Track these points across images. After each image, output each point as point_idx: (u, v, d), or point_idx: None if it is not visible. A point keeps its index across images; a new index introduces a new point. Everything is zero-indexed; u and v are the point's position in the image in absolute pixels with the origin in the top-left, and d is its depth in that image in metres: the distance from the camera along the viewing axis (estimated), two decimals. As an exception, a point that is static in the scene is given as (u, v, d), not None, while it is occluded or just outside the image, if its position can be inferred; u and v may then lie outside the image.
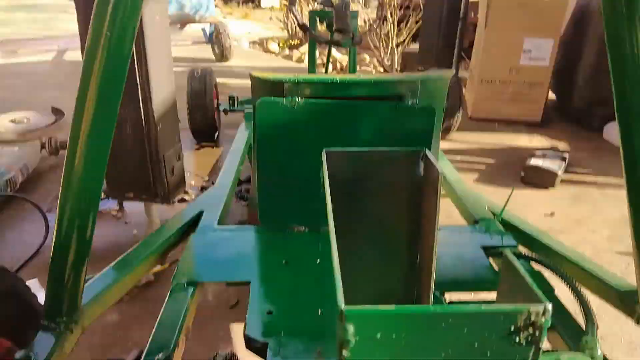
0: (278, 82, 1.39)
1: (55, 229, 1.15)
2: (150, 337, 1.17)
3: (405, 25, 5.90)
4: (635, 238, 1.21)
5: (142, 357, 1.11)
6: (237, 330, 2.22)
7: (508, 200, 1.69)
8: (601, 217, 3.09)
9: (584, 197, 3.32)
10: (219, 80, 4.15)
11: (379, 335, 0.48)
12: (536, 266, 1.43)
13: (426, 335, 0.48)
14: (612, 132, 4.09)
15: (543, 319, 0.48)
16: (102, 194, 3.17)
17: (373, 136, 1.42)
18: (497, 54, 4.36)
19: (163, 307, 1.26)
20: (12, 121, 3.44)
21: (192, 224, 1.68)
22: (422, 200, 0.92)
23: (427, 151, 0.88)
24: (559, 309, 1.29)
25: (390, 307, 0.47)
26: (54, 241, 1.15)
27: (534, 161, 3.37)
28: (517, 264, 0.56)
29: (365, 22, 6.86)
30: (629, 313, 1.33)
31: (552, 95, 4.99)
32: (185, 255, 1.48)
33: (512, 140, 4.25)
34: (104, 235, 2.76)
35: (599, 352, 0.99)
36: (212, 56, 7.00)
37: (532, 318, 0.48)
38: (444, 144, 4.12)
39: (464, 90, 4.81)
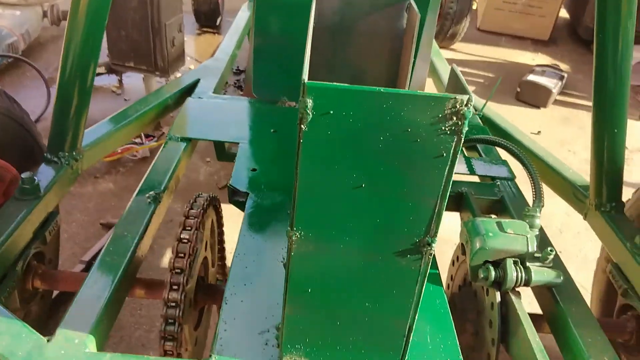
0: None
1: (60, 68, 1.23)
2: (143, 179, 1.29)
3: None
4: (594, 133, 1.31)
5: (132, 197, 1.24)
6: (224, 208, 2.37)
7: (490, 96, 1.77)
8: (584, 140, 3.18)
9: (572, 120, 3.39)
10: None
11: (332, 112, 0.58)
12: (504, 156, 1.54)
13: (371, 115, 0.58)
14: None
15: (465, 109, 0.56)
16: (103, 68, 3.22)
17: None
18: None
19: (156, 156, 1.37)
20: (14, -16, 3.38)
21: (189, 90, 1.76)
22: (401, 55, 0.99)
23: (411, 2, 0.94)
24: (517, 195, 1.41)
25: (345, 85, 0.56)
26: (58, 80, 1.24)
27: (531, 77, 3.40)
28: (458, 71, 0.64)
29: None
30: (579, 209, 1.46)
31: (565, 14, 4.89)
32: (181, 114, 1.57)
33: (516, 56, 4.23)
34: (103, 110, 2.83)
35: (538, 221, 1.12)
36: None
37: (457, 106, 0.57)
38: (446, 54, 4.10)
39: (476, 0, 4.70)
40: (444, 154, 0.62)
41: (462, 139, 0.60)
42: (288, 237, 0.69)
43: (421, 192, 0.65)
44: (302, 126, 0.60)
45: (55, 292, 1.46)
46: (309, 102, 0.58)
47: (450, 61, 3.95)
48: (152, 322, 1.63)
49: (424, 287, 0.73)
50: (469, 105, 0.58)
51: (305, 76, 0.58)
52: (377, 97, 0.58)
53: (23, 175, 1.15)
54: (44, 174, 1.25)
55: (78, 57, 1.23)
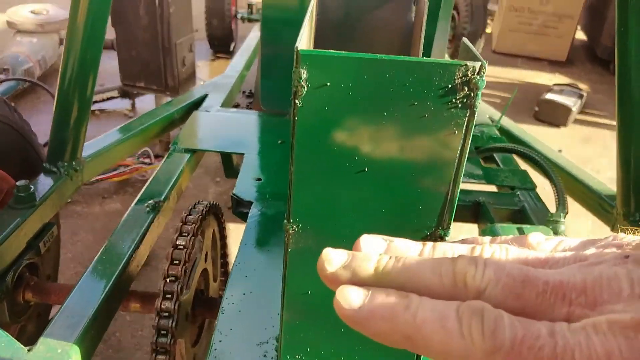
0: None
1: (59, 77, 1.21)
2: (144, 188, 1.24)
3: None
4: (619, 139, 1.23)
5: (133, 203, 1.19)
6: (232, 228, 2.32)
7: (506, 107, 1.70)
8: (608, 159, 3.07)
9: (594, 138, 3.29)
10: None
11: (329, 83, 0.51)
12: (523, 166, 1.46)
13: (372, 87, 0.51)
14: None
15: (478, 77, 0.49)
16: (116, 92, 3.24)
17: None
18: (530, -23, 4.16)
19: (159, 167, 1.33)
20: (32, 12, 3.46)
21: (196, 105, 1.73)
22: (410, 50, 0.94)
23: (419, -9, 0.88)
24: (539, 205, 1.33)
25: (343, 52, 0.50)
26: (58, 89, 1.21)
27: (549, 95, 3.33)
28: (469, 43, 0.58)
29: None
30: (606, 220, 1.37)
31: (581, 36, 4.83)
32: (187, 126, 1.53)
33: (533, 77, 4.17)
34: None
35: (563, 227, 1.03)
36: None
37: (469, 74, 0.49)
38: (461, 75, 4.05)
39: (490, 22, 4.67)
40: (456, 131, 0.54)
41: (476, 113, 0.53)
42: (285, 230, 0.62)
43: (431, 177, 0.58)
44: (297, 101, 0.53)
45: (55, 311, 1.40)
46: (304, 73, 0.52)
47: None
48: (154, 343, 1.56)
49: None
50: (482, 72, 0.50)
51: (299, 43, 0.52)
52: (379, 66, 0.52)
53: (18, 183, 1.11)
54: (42, 183, 1.21)
55: (78, 66, 1.21)
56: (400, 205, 0.59)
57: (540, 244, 0.36)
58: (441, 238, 0.61)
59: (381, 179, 0.58)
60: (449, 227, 0.60)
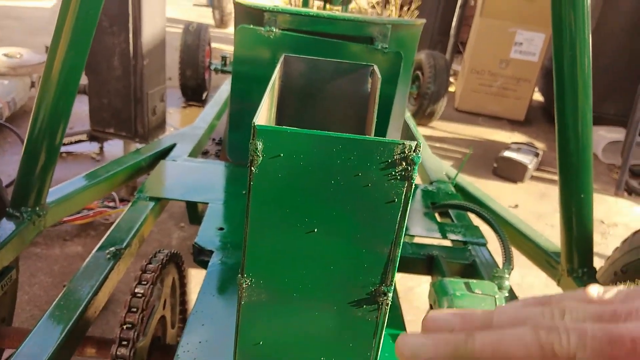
0: (258, 9, 1.45)
1: (30, 123, 1.24)
2: (106, 235, 1.25)
3: (408, 10, 5.95)
4: (561, 200, 1.32)
5: (94, 250, 1.20)
6: (194, 274, 2.31)
7: (462, 165, 1.80)
8: (563, 214, 3.22)
9: (549, 195, 3.45)
10: (214, 45, 4.21)
11: (282, 154, 0.57)
12: (476, 222, 1.54)
13: (321, 159, 0.57)
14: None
15: (414, 154, 0.56)
16: (85, 136, 3.25)
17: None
18: (489, 43, 4.42)
19: (122, 214, 1.35)
20: (5, 55, 3.48)
21: (164, 154, 1.76)
22: (366, 118, 1.01)
23: (374, 67, 0.96)
24: (489, 260, 1.40)
25: (294, 128, 0.56)
26: (27, 135, 1.24)
27: (507, 153, 3.49)
28: (411, 121, 0.65)
29: (368, 3, 6.91)
30: (552, 275, 1.45)
31: (539, 98, 5.11)
32: (153, 175, 1.56)
33: (492, 134, 4.37)
34: (80, 174, 2.84)
35: (507, 283, 1.09)
36: (211, 21, 7.05)
37: (406, 151, 0.56)
38: (425, 131, 4.22)
39: (454, 81, 4.91)
40: (395, 200, 0.61)
41: (413, 185, 0.59)
42: (238, 284, 0.66)
43: (374, 239, 0.64)
44: (253, 169, 0.59)
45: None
46: (259, 145, 0.58)
47: (428, 138, 4.05)
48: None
49: (382, 341, 0.69)
50: (418, 151, 0.58)
51: (256, 119, 0.58)
52: (327, 141, 0.58)
53: (-21, 229, 1.12)
54: (4, 227, 1.22)
55: (49, 114, 1.24)
56: (347, 263, 0.64)
57: (600, 295, 0.37)
58: (384, 294, 0.66)
59: (329, 239, 0.63)
60: (392, 284, 0.65)
